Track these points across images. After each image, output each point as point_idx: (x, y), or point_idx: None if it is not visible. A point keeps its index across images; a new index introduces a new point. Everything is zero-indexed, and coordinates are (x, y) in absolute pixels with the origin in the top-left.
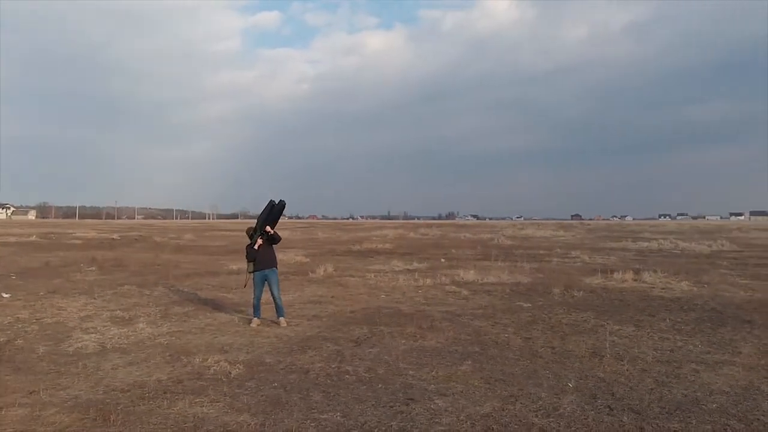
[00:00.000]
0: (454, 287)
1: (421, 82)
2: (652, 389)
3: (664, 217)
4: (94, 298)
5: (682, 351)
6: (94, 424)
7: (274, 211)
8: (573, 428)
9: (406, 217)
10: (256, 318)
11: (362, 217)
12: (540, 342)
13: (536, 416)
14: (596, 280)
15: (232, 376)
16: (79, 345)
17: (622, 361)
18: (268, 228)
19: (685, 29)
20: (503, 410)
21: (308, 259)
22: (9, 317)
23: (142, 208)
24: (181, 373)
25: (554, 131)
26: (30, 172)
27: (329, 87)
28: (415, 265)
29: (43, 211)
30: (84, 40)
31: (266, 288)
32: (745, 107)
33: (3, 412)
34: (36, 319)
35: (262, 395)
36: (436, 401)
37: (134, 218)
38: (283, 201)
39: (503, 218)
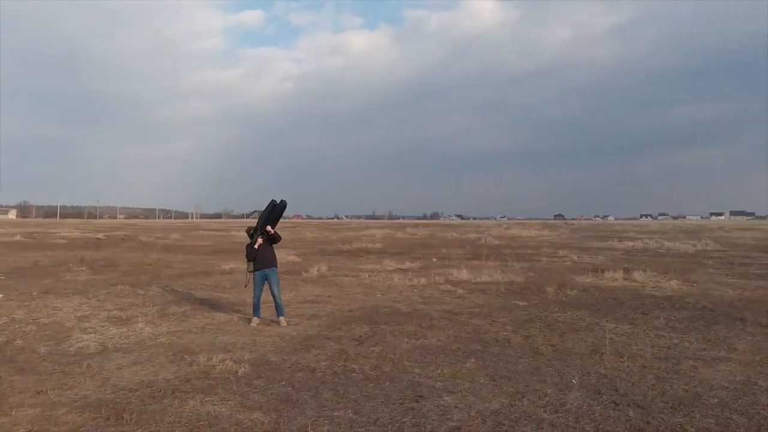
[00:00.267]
0: (449, 286)
1: (405, 82)
2: (653, 385)
3: (646, 217)
4: (89, 298)
5: (679, 348)
6: (108, 423)
7: (275, 211)
8: (581, 423)
9: (390, 217)
10: (256, 317)
11: (347, 216)
12: (539, 340)
13: (545, 412)
14: (587, 279)
15: (239, 374)
16: (80, 345)
17: (622, 357)
18: (268, 227)
19: (668, 31)
20: (512, 406)
21: (300, 259)
22: (4, 317)
23: (125, 207)
24: (187, 372)
25: (537, 132)
26: (9, 172)
27: (314, 87)
28: (408, 264)
29: (23, 210)
30: (65, 39)
31: (265, 287)
32: (725, 109)
33: (14, 412)
34: (32, 320)
35: (271, 393)
36: (445, 398)
37: (116, 218)
38: (285, 201)
39: (487, 218)
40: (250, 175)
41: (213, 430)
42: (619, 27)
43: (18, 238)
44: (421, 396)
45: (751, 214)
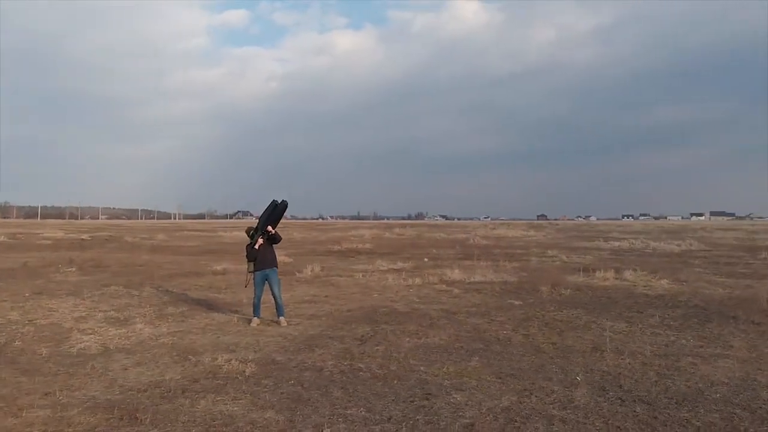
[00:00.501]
0: (444, 286)
1: (391, 83)
2: (656, 381)
3: (627, 218)
4: (83, 299)
5: (676, 345)
6: (122, 423)
7: (276, 211)
8: (591, 419)
9: (375, 217)
10: (256, 317)
11: (332, 217)
12: (540, 338)
13: (554, 408)
14: (579, 279)
15: (246, 374)
16: (81, 346)
17: (623, 355)
18: (269, 227)
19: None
20: (521, 403)
21: (291, 259)
22: (0, 319)
23: (106, 207)
24: (194, 372)
25: (523, 133)
26: None
27: (299, 87)
28: (400, 264)
29: (4, 210)
30: (45, 37)
31: (265, 288)
32: (706, 110)
33: (24, 414)
34: (29, 321)
35: (281, 392)
36: (455, 396)
37: (98, 218)
38: (286, 201)
39: (471, 218)
40: (234, 175)
41: (229, 429)
42: (603, 28)
43: (2, 239)
44: (430, 394)
45: (731, 214)
